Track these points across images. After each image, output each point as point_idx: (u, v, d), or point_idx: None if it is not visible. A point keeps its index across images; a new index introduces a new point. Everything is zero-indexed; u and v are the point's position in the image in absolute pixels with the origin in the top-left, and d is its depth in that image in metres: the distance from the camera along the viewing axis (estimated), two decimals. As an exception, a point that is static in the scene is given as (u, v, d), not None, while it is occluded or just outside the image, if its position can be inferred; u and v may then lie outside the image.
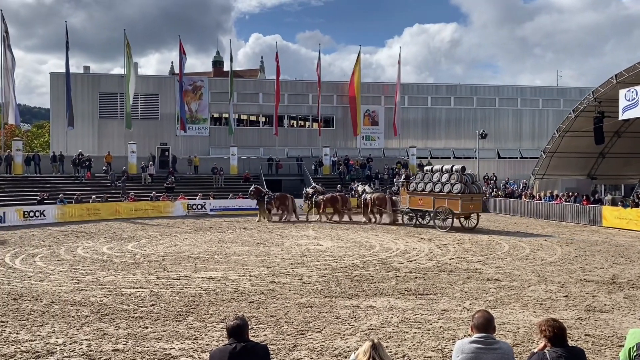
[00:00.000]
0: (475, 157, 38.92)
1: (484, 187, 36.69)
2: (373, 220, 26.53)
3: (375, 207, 26.24)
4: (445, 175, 23.46)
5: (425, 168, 26.11)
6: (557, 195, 29.52)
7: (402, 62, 44.17)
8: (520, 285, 11.77)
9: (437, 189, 23.62)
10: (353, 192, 29.06)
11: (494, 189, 36.37)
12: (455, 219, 22.97)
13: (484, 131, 36.43)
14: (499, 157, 48.35)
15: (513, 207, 31.45)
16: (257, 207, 28.01)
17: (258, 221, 26.78)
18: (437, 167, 24.83)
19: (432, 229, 23.22)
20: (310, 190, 28.83)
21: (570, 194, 29.05)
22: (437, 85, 50.08)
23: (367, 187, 28.49)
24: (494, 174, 40.94)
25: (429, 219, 24.25)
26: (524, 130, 49.92)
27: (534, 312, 9.57)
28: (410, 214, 25.31)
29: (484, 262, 14.77)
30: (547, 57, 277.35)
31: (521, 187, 35.53)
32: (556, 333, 3.94)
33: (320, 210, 27.53)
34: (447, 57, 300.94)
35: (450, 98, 48.87)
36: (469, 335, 4.41)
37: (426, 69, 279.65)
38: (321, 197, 27.71)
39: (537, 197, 30.91)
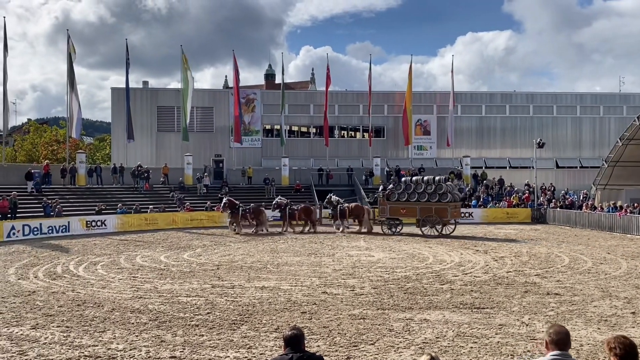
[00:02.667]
0: (533, 167, 37.71)
1: (541, 198, 35.67)
2: (347, 229, 27.26)
3: (352, 216, 27.17)
4: (432, 186, 25.35)
5: (403, 179, 27.45)
6: (620, 206, 28.22)
7: (455, 71, 43.33)
8: (582, 300, 11.27)
9: (423, 199, 25.29)
10: (325, 202, 28.95)
11: (552, 200, 35.14)
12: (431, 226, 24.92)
13: (541, 140, 35.23)
14: (558, 166, 46.68)
15: (573, 218, 30.28)
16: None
17: (236, 233, 26.39)
18: (416, 178, 26.75)
19: (478, 240, 22.65)
20: (283, 201, 28.66)
21: (635, 204, 27.70)
22: (491, 94, 48.97)
23: (339, 198, 28.61)
24: (551, 184, 39.58)
25: (400, 227, 26.15)
26: (583, 139, 47.96)
27: (598, 328, 9.13)
28: (390, 223, 26.24)
29: (543, 275, 14.24)
30: (607, 63, 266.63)
31: (581, 198, 34.17)
32: (628, 351, 3.69)
33: (295, 221, 27.85)
34: (501, 65, 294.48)
35: (505, 106, 47.65)
36: (541, 353, 4.24)
37: (479, 77, 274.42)
38: (295, 207, 28.04)
39: (599, 208, 29.65)
